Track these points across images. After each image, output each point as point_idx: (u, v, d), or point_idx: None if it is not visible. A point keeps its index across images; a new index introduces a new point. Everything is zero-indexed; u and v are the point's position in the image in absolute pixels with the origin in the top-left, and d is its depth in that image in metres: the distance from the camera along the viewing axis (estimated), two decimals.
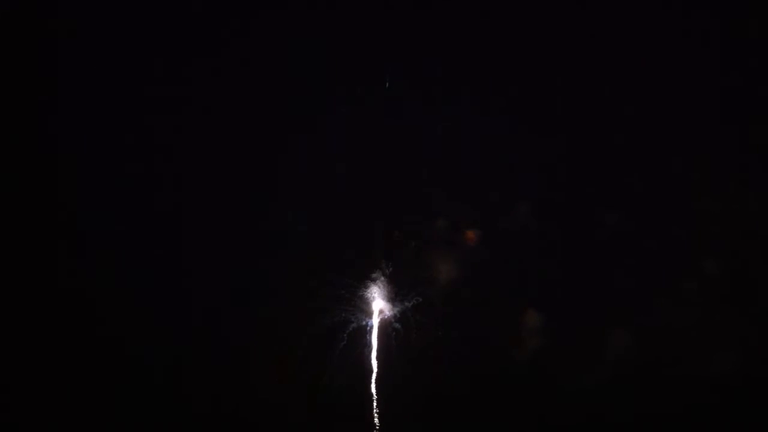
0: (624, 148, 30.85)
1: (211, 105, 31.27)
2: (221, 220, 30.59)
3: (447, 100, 31.62)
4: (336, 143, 31.47)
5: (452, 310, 29.83)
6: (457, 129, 31.48)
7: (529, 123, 30.98)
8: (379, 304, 30.04)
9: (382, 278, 30.08)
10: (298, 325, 29.35)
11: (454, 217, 30.86)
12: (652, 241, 29.76)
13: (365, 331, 29.80)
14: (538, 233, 30.46)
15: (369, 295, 30.04)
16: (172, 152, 30.97)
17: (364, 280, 30.07)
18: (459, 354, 29.24)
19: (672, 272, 29.35)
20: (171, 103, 31.16)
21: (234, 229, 30.63)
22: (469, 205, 30.87)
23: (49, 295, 28.87)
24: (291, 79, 31.47)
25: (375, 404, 28.98)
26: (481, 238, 30.59)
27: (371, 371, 29.49)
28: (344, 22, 31.49)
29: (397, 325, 29.83)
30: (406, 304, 29.94)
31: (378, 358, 29.62)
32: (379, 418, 28.72)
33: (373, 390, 29.22)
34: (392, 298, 30.03)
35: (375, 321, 29.91)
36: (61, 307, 28.79)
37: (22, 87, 30.27)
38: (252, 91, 31.66)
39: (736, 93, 30.33)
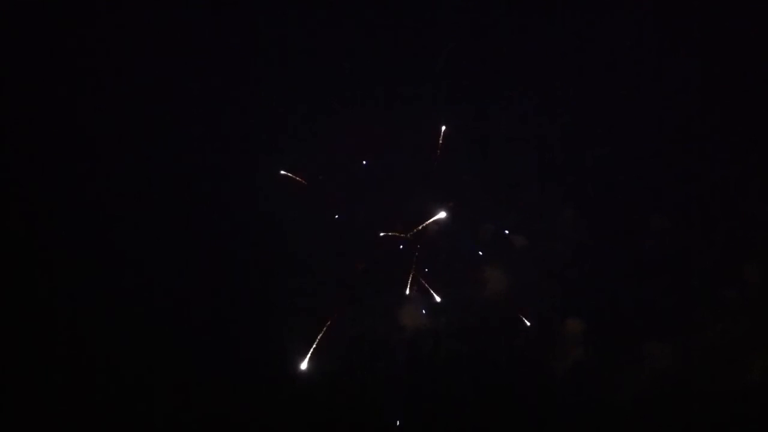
0: (667, 152, 30.66)
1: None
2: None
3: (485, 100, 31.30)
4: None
5: (489, 321, 29.09)
6: (498, 132, 31.09)
7: (571, 126, 30.88)
8: (408, 316, 29.06)
9: (411, 291, 29.19)
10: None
11: (498, 224, 30.15)
12: (694, 248, 29.38)
13: (393, 342, 28.84)
14: (580, 240, 29.91)
15: (398, 308, 29.07)
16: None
17: (392, 292, 29.16)
18: (494, 365, 28.59)
19: (714, 281, 28.82)
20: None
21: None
22: (514, 212, 30.30)
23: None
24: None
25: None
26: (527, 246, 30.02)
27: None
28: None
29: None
30: (441, 317, 29.11)
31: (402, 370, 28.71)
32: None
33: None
34: (424, 312, 29.15)
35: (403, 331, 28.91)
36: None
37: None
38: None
39: None
